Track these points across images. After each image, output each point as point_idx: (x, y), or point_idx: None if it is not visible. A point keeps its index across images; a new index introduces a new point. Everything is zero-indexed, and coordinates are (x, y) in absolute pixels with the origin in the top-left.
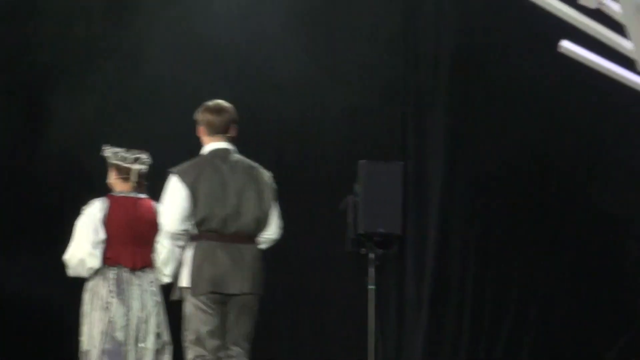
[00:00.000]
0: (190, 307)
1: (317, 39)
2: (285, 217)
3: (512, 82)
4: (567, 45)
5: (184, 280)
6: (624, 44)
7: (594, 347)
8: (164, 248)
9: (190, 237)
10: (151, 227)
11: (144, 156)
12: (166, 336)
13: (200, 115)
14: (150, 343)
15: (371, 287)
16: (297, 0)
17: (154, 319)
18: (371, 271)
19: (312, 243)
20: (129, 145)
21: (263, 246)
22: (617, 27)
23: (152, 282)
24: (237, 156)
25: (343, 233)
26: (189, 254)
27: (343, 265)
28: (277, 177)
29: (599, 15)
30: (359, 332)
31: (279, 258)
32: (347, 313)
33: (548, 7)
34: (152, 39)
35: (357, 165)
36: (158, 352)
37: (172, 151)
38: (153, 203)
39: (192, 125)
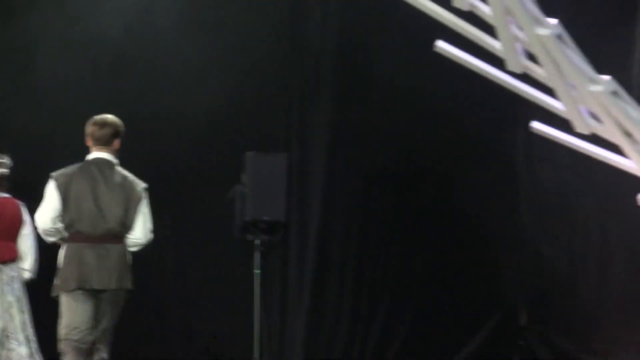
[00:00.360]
0: (64, 302)
1: (206, 34)
2: (176, 205)
3: (392, 80)
4: (442, 45)
5: (57, 279)
6: (494, 44)
7: (459, 336)
8: (27, 241)
9: (63, 239)
10: (15, 223)
11: (6, 160)
12: (29, 325)
13: (87, 128)
14: (16, 330)
15: (257, 271)
16: None
17: (16, 311)
18: (257, 256)
19: (202, 230)
20: (23, 141)
21: (132, 249)
22: (488, 28)
23: (13, 276)
24: (115, 167)
25: (231, 220)
26: (61, 255)
27: (231, 251)
28: (168, 169)
29: (472, 17)
30: (245, 314)
31: (171, 244)
32: (234, 296)
33: (424, 9)
34: (46, 35)
35: (244, 157)
36: (26, 338)
37: (64, 148)
38: (16, 201)
39: (84, 121)
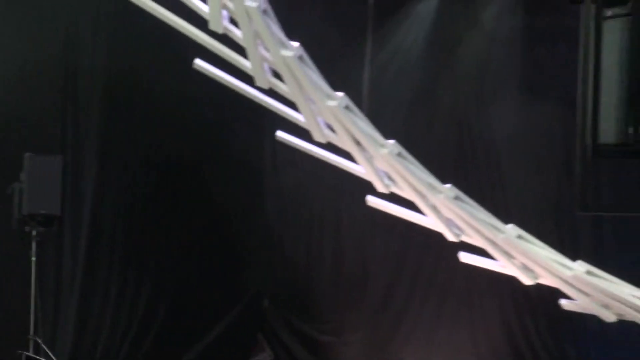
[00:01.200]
0: None
1: None
2: None
3: (157, 91)
4: (200, 63)
5: None
6: (245, 63)
7: (211, 319)
8: None
9: None
10: None
11: None
12: None
13: None
14: None
15: (33, 259)
16: None
17: None
18: (34, 246)
19: None
20: None
21: None
22: (240, 48)
23: None
24: None
25: (10, 214)
26: None
27: (10, 242)
28: None
29: (226, 39)
30: (22, 298)
31: None
32: (12, 282)
33: (185, 32)
34: None
35: (23, 158)
36: None
37: None
38: None
39: None
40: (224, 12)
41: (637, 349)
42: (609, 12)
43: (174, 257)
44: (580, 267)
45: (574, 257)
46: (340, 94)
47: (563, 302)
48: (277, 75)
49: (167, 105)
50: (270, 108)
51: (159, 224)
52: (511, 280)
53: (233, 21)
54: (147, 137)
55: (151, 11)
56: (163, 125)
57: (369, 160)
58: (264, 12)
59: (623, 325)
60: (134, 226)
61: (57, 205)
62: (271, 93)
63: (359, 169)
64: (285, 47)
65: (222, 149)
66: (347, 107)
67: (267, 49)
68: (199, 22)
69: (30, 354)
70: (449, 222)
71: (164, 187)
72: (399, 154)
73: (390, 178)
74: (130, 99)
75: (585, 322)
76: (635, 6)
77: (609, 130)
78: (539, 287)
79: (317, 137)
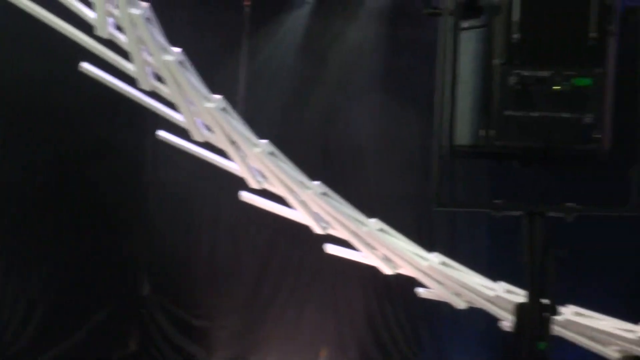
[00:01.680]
0: None
1: None
2: None
3: (42, 93)
4: (86, 66)
5: None
6: (129, 66)
7: (92, 305)
8: None
9: None
10: None
11: None
12: None
13: None
14: None
15: None
16: None
17: None
18: None
19: None
20: None
21: None
22: (124, 53)
23: None
24: None
25: None
26: None
27: None
28: None
29: (111, 44)
30: None
31: None
32: None
33: (73, 37)
34: None
35: None
36: None
37: None
38: None
39: None
40: (110, 19)
41: (483, 333)
42: (465, 24)
43: (60, 250)
44: (435, 258)
45: (430, 249)
46: (218, 96)
47: (419, 290)
48: (159, 78)
49: (53, 106)
50: (152, 109)
51: (47, 217)
52: (373, 270)
53: (118, 27)
54: (35, 136)
55: (41, 17)
56: (50, 126)
57: (243, 158)
58: (148, 19)
59: (472, 312)
60: (25, 220)
61: None
62: (153, 95)
63: (234, 166)
64: (167, 52)
65: (106, 147)
66: (223, 109)
67: (150, 54)
68: (86, 27)
69: None
70: (316, 216)
71: (52, 183)
72: (271, 153)
73: (262, 175)
74: (18, 100)
75: (439, 309)
76: (489, 19)
77: (463, 133)
78: (398, 276)
79: (196, 136)
